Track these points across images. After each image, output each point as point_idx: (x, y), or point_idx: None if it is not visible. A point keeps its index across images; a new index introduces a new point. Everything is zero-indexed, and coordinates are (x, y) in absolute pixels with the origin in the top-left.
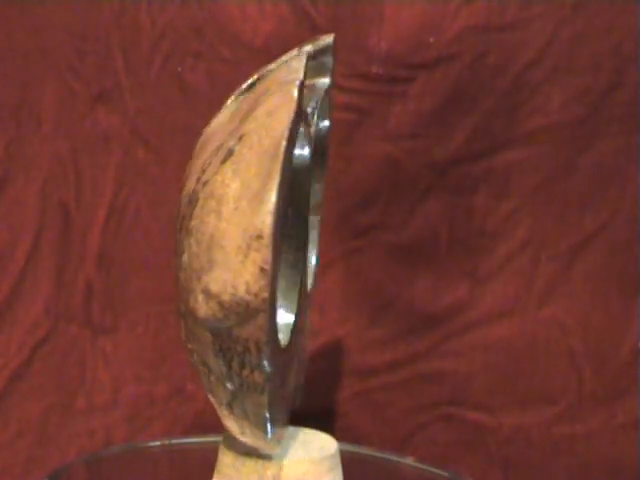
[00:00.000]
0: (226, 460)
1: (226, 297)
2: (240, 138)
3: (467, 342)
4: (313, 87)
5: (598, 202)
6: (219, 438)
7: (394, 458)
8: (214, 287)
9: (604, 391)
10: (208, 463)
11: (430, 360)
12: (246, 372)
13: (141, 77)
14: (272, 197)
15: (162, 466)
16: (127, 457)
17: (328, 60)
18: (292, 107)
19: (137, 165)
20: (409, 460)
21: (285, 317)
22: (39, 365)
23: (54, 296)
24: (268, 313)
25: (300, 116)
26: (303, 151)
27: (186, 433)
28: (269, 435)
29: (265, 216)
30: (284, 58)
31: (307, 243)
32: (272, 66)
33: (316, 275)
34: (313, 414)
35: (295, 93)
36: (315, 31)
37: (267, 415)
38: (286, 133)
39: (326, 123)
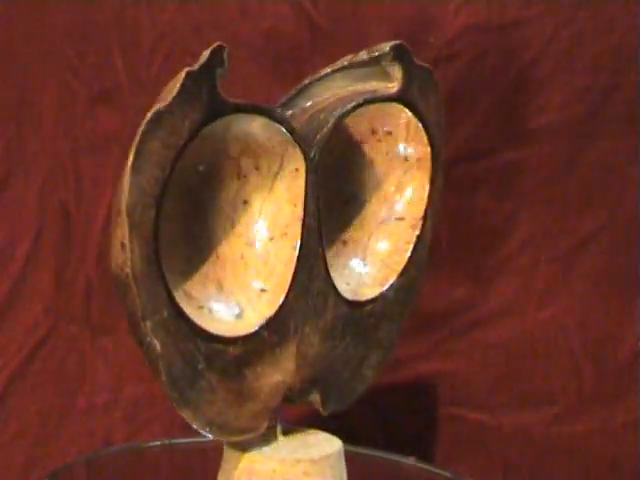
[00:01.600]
0: (224, 449)
1: (111, 269)
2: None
3: (467, 342)
4: (373, 92)
5: (598, 202)
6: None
7: (394, 458)
8: (109, 259)
9: (604, 391)
10: (208, 463)
11: (430, 360)
12: (144, 348)
13: (141, 77)
14: (125, 176)
15: (162, 466)
16: (127, 457)
17: (391, 67)
18: (172, 92)
19: None
20: (409, 460)
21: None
22: (39, 365)
23: (54, 296)
24: (135, 288)
25: (184, 104)
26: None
27: (186, 433)
28: (188, 418)
29: (121, 194)
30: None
31: (321, 237)
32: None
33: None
34: (313, 414)
35: (180, 78)
36: (315, 31)
37: (174, 395)
38: (148, 116)
39: (388, 129)
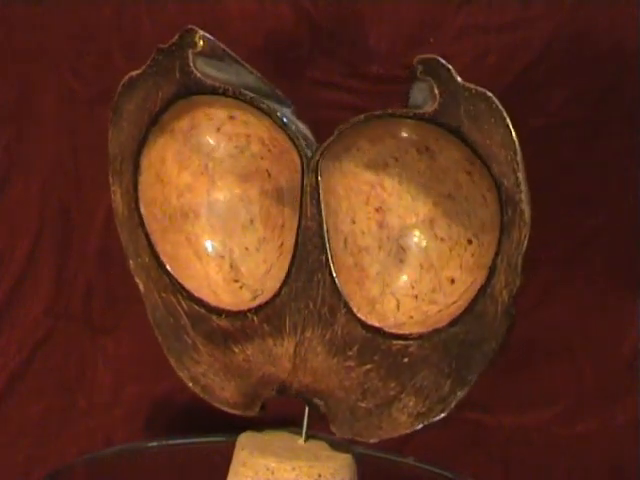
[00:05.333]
0: (235, 450)
1: None
2: None
3: None
4: (414, 109)
5: (598, 202)
6: (219, 438)
7: (394, 458)
8: None
9: (604, 391)
10: (208, 463)
11: None
12: None
13: None
14: (109, 130)
15: (162, 466)
16: (127, 457)
17: (432, 85)
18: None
19: None
20: (409, 460)
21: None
22: (39, 365)
23: (54, 296)
24: (118, 227)
25: (158, 76)
26: None
27: (186, 433)
28: (173, 365)
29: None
30: None
31: (325, 245)
32: None
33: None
34: (314, 414)
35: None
36: (315, 31)
37: (159, 338)
38: (124, 79)
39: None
